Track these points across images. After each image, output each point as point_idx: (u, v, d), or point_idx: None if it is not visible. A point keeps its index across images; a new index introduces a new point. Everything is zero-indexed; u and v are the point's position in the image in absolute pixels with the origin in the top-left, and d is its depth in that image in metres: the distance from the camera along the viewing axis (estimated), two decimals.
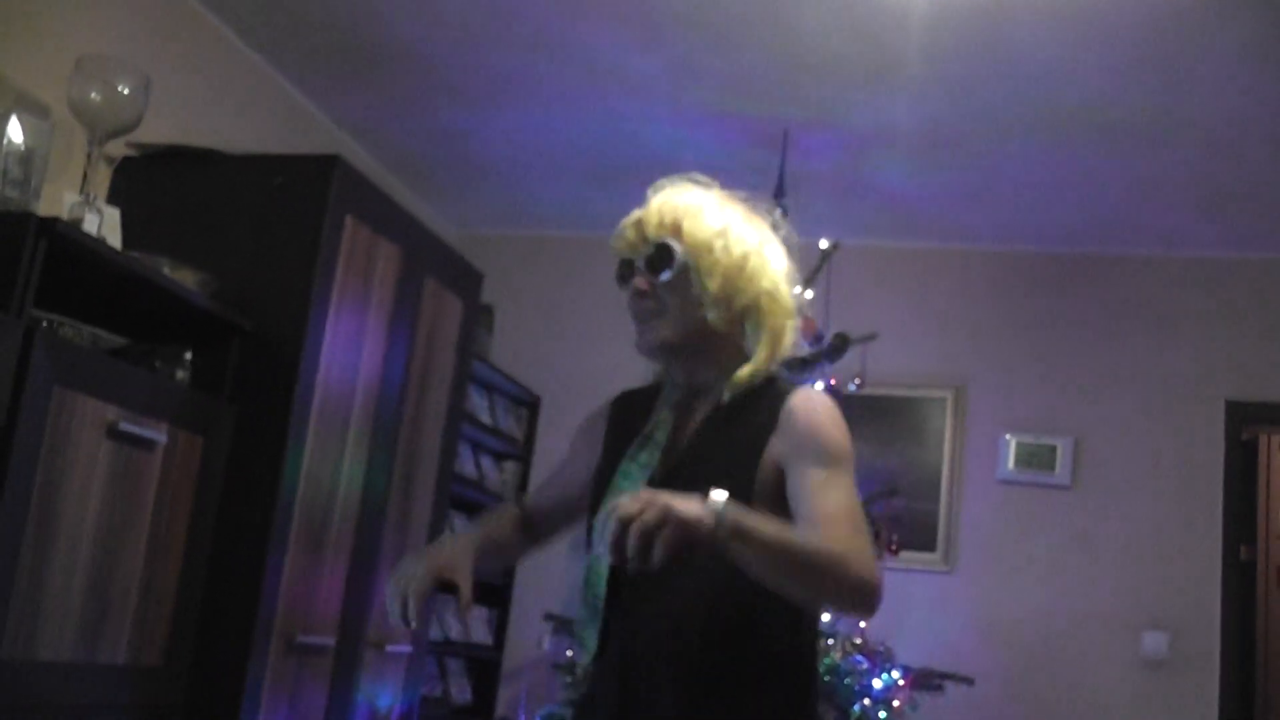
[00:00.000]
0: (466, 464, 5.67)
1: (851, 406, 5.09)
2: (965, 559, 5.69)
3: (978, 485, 5.77)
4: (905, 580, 5.37)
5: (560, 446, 6.24)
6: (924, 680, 4.72)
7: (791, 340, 2.31)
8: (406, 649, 4.46)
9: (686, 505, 1.78)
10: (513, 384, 6.00)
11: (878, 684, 4.55)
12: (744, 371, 2.23)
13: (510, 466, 6.14)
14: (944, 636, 5.38)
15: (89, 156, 3.45)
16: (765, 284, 2.26)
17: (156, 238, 3.73)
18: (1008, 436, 5.76)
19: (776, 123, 4.92)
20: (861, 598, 1.97)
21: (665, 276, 2.24)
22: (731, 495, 1.87)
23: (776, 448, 2.15)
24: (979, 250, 5.97)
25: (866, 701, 4.54)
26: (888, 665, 4.64)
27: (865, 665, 4.58)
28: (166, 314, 3.59)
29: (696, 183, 2.36)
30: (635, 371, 6.47)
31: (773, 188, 5.00)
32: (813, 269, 4.95)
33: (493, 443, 5.94)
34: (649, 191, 2.37)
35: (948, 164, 5.15)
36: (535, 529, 2.53)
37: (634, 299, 2.29)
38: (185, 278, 3.55)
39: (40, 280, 3.00)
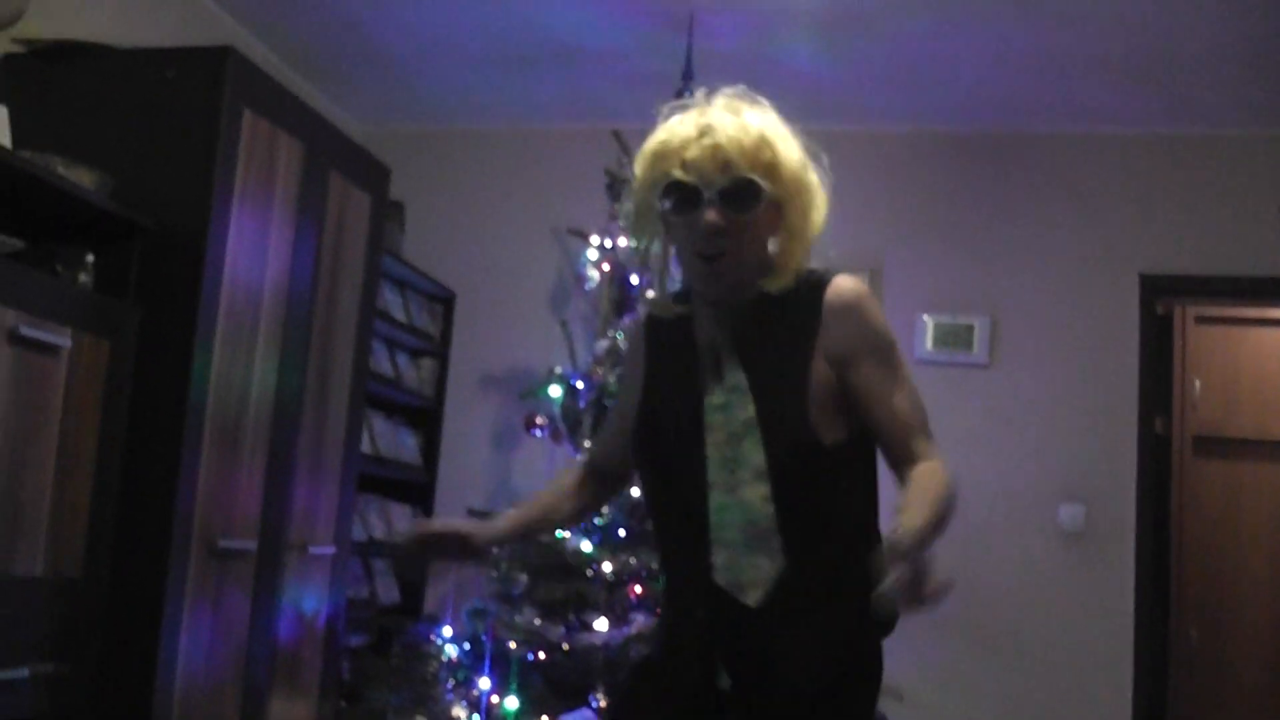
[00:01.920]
0: (382, 362, 5.60)
1: None
2: None
3: None
4: None
5: (477, 342, 6.15)
6: None
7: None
8: (330, 550, 4.42)
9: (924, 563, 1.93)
10: (427, 280, 5.92)
11: None
12: (782, 280, 2.27)
13: (427, 364, 6.09)
14: None
15: None
16: (821, 211, 2.32)
17: (48, 137, 3.62)
18: (925, 317, 5.77)
19: (681, 4, 4.83)
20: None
21: (748, 215, 2.18)
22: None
23: (827, 344, 2.21)
24: (890, 131, 5.93)
25: None
26: None
27: None
28: (64, 215, 3.49)
29: (754, 101, 2.29)
30: (549, 264, 6.41)
31: (680, 70, 4.94)
32: None
33: (409, 340, 5.86)
34: (699, 98, 2.29)
35: (856, 43, 5.09)
36: (605, 475, 2.58)
37: (706, 235, 2.18)
38: (81, 177, 3.45)
39: None
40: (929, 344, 5.74)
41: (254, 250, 3.89)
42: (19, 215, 3.41)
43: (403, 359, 5.90)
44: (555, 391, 4.68)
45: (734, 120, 2.20)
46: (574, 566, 4.55)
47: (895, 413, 2.21)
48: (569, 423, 4.63)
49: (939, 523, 2.04)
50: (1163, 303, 5.73)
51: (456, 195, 6.30)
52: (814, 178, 2.29)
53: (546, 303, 6.06)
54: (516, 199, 6.21)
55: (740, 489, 2.19)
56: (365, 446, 5.17)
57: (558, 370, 4.78)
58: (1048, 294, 5.69)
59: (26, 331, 3.08)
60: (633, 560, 4.45)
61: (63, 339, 3.23)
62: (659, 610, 2.45)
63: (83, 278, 3.46)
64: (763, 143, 2.19)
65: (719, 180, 2.16)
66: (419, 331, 5.90)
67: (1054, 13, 4.69)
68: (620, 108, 5.66)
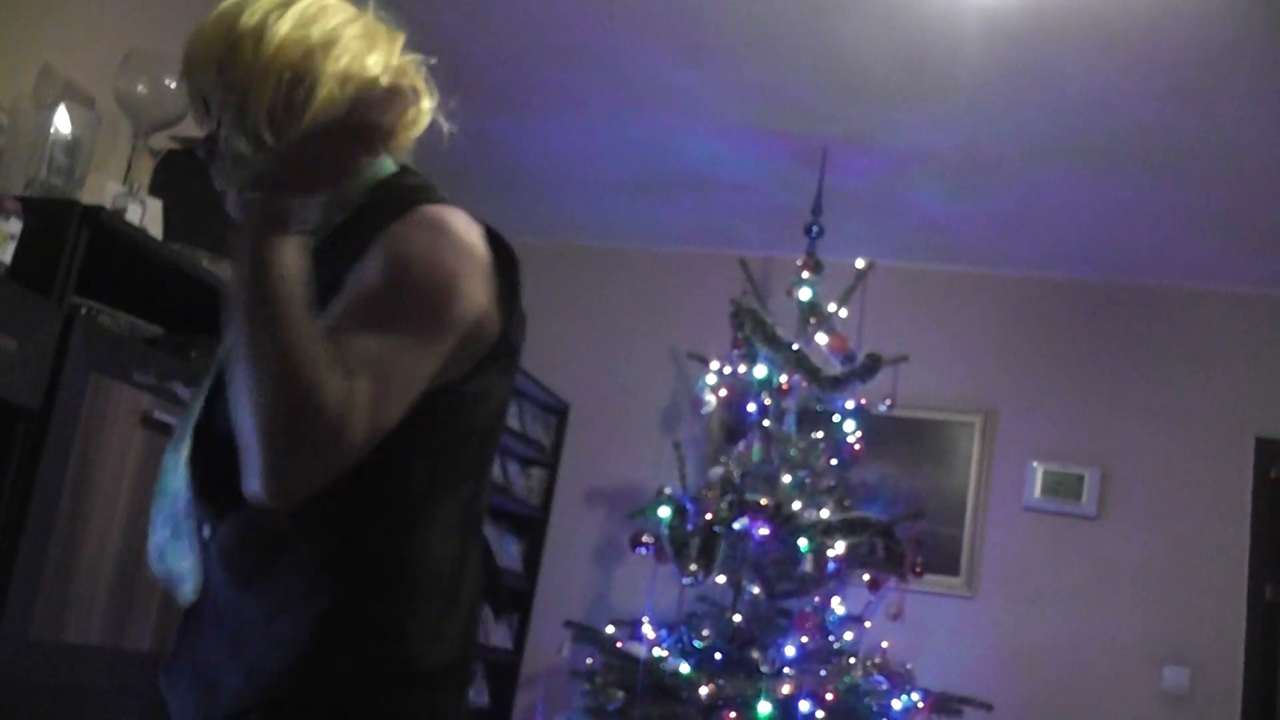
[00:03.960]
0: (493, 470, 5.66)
1: (881, 427, 5.16)
2: (988, 585, 5.67)
3: (1003, 511, 5.75)
4: (927, 603, 5.35)
5: (588, 455, 6.14)
6: (943, 704, 4.71)
7: (399, 129, 1.78)
8: None
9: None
10: (542, 390, 6.01)
11: (897, 705, 4.54)
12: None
13: (537, 473, 6.15)
14: (964, 661, 5.36)
15: (133, 148, 3.48)
16: (326, 70, 1.70)
17: (196, 231, 3.75)
18: (1035, 464, 5.74)
19: (816, 141, 4.93)
20: (299, 418, 1.38)
21: (211, 127, 1.72)
22: None
23: None
24: (1013, 276, 5.95)
25: None
26: (908, 687, 4.63)
27: (885, 686, 4.57)
28: (204, 306, 3.60)
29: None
30: (665, 384, 6.46)
31: (810, 205, 5.02)
32: (848, 288, 4.96)
33: (520, 449, 5.94)
34: None
35: (985, 188, 5.15)
36: None
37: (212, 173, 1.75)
38: (224, 271, 3.58)
39: (82, 267, 3.03)
40: (1037, 491, 5.70)
41: None
42: (162, 303, 3.54)
43: (513, 467, 5.97)
44: (664, 512, 4.71)
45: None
46: (671, 688, 4.55)
47: (346, 316, 1.49)
48: (675, 545, 4.64)
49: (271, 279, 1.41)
50: (1277, 467, 5.64)
51: (579, 309, 6.40)
52: (264, 45, 1.67)
53: (659, 422, 6.11)
54: (638, 317, 6.30)
55: (180, 446, 1.65)
56: None
57: (668, 491, 4.80)
58: (1161, 449, 5.64)
59: (159, 415, 3.19)
60: (729, 686, 4.44)
61: None
62: None
63: None
64: (192, 42, 1.72)
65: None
66: (531, 440, 5.97)
67: (1183, 170, 4.72)
68: (749, 238, 5.77)
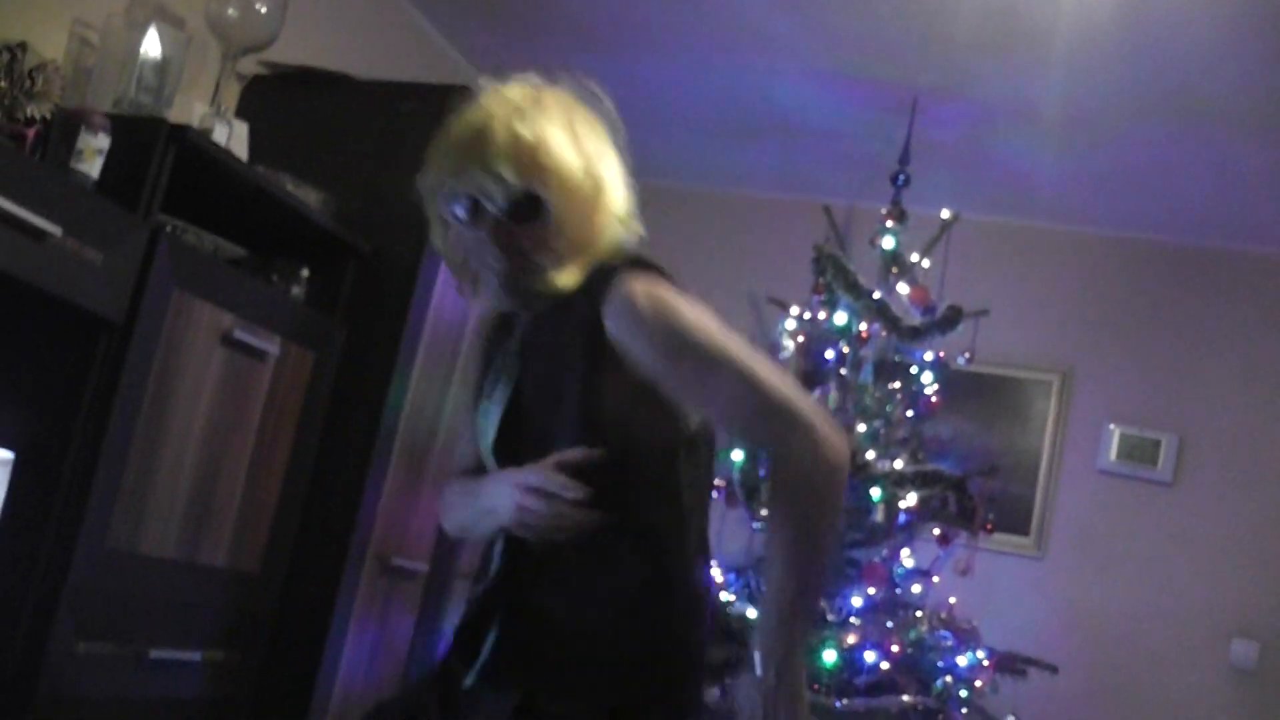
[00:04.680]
0: None
1: (957, 382, 5.10)
2: (1057, 546, 5.62)
3: (1076, 473, 5.69)
4: (996, 562, 5.31)
5: None
6: (1008, 664, 4.68)
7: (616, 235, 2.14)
8: None
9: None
10: None
11: (962, 661, 4.52)
12: (566, 280, 2.00)
13: None
14: (1030, 622, 5.32)
15: (221, 71, 3.50)
16: (613, 209, 2.13)
17: (281, 155, 3.77)
18: (1111, 427, 5.67)
19: (906, 89, 4.86)
20: (836, 487, 1.92)
21: (532, 225, 1.97)
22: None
23: (631, 361, 1.96)
24: (1100, 235, 5.86)
25: (949, 679, 4.52)
26: (973, 644, 4.60)
27: (951, 642, 4.55)
28: (286, 230, 3.64)
29: (534, 85, 2.09)
30: (741, 328, 6.42)
31: (897, 155, 4.96)
32: (932, 239, 4.91)
33: None
34: (479, 99, 2.04)
35: (1076, 144, 5.06)
36: None
37: (489, 249, 1.97)
38: (307, 196, 3.60)
39: (168, 186, 3.06)
40: (1112, 455, 5.64)
41: None
42: (245, 225, 3.57)
43: None
44: (737, 456, 4.70)
45: (505, 120, 2.01)
46: (737, 632, 4.55)
47: (728, 409, 1.99)
48: (746, 489, 4.64)
49: (794, 619, 1.88)
50: None
51: (659, 250, 6.31)
52: (590, 179, 2.07)
53: None
54: (718, 261, 6.25)
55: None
56: None
57: None
58: (1241, 420, 5.55)
59: (239, 335, 3.23)
60: None
61: (271, 346, 3.37)
62: None
63: (295, 290, 3.60)
64: (536, 146, 1.99)
65: (496, 189, 1.97)
66: None
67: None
68: (834, 185, 5.70)
